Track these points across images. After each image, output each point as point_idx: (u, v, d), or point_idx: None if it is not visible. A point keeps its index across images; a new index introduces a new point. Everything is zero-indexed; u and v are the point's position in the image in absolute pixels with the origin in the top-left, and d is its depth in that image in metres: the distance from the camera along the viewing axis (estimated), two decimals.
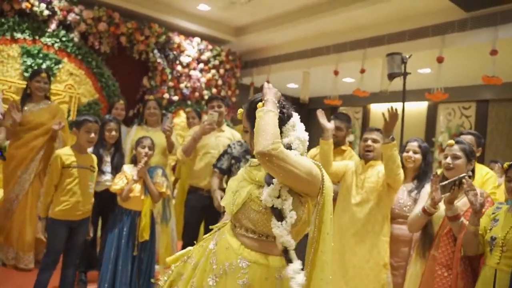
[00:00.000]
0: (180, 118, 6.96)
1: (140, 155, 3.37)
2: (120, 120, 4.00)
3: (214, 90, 7.29)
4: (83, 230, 3.23)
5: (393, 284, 2.97)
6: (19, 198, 3.87)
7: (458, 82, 6.92)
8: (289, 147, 1.60)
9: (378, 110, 8.47)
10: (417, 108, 7.80)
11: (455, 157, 2.61)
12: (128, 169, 3.40)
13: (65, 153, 3.18)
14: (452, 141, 2.66)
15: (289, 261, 1.53)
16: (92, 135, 3.20)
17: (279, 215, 1.54)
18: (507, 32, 4.72)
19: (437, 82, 5.14)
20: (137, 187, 3.30)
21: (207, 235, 1.86)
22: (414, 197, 3.05)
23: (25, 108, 3.90)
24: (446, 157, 2.66)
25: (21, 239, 3.82)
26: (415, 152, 3.17)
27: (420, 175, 3.15)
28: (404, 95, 4.30)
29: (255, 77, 8.06)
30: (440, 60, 5.02)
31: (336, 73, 6.42)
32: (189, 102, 7.04)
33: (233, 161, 3.49)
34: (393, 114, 2.86)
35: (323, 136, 3.06)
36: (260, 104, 1.62)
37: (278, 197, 1.55)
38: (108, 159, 3.66)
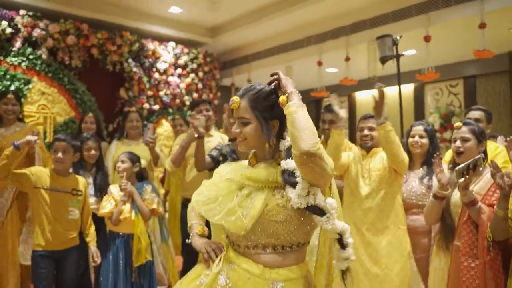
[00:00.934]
0: (163, 128, 6.69)
1: (117, 170, 3.14)
2: (98, 138, 3.72)
3: (195, 95, 7.03)
4: (72, 261, 2.95)
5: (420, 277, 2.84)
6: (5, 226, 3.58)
7: (443, 61, 6.79)
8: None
9: (363, 97, 8.33)
10: (403, 92, 7.66)
11: (464, 140, 2.49)
12: (115, 190, 3.15)
13: (42, 173, 2.91)
14: (459, 123, 2.53)
15: (343, 246, 1.49)
16: (59, 154, 2.92)
17: (320, 210, 1.41)
18: (493, 4, 4.58)
19: (427, 62, 4.98)
20: (126, 207, 3.04)
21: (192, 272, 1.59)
22: (427, 184, 2.92)
23: None
24: (455, 141, 2.53)
25: (4, 279, 3.52)
26: (421, 137, 3.05)
27: (429, 159, 3.00)
28: (399, 78, 4.12)
29: (235, 77, 7.83)
30: (427, 39, 4.87)
31: (319, 64, 6.23)
32: (170, 110, 6.76)
33: (221, 158, 3.23)
34: (381, 94, 2.72)
35: (336, 126, 2.85)
36: (283, 98, 1.43)
37: (307, 194, 1.40)
38: (90, 180, 3.38)
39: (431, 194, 2.54)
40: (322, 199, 1.41)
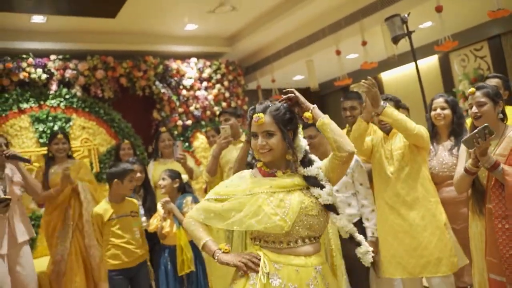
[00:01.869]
0: (199, 141, 6.94)
1: (159, 188, 3.41)
2: (142, 161, 4.01)
3: (223, 104, 7.25)
4: (143, 275, 3.27)
5: (462, 248, 2.84)
6: (64, 257, 3.91)
7: (463, 26, 6.69)
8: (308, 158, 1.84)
9: (389, 77, 8.29)
10: (428, 64, 7.58)
11: (480, 105, 2.51)
12: (160, 207, 3.40)
13: (103, 209, 3.20)
14: (473, 89, 2.55)
15: (357, 244, 1.82)
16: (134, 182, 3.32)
17: (336, 209, 1.77)
18: None
19: (443, 32, 4.96)
20: (167, 222, 3.29)
21: None
22: (456, 154, 2.93)
23: (51, 171, 3.96)
24: (471, 107, 2.56)
25: None
26: (443, 108, 3.07)
27: (455, 130, 3.04)
28: (414, 54, 4.16)
29: (259, 79, 7.99)
30: (439, 9, 4.84)
31: (338, 52, 6.27)
32: (203, 123, 7.02)
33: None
34: (370, 83, 2.72)
35: (364, 117, 2.89)
36: (308, 114, 1.80)
37: (332, 194, 1.77)
38: (140, 202, 3.65)
39: (463, 167, 2.54)
40: (337, 200, 1.79)
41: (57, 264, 3.91)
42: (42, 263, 4.50)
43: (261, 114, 1.74)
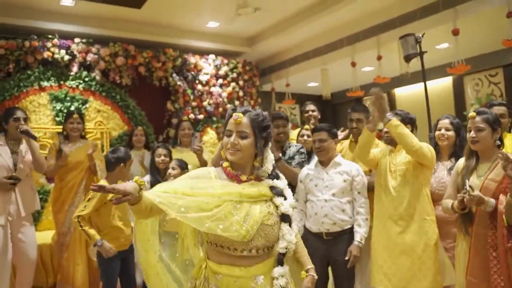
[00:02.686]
0: (209, 135, 7.09)
1: (169, 176, 3.48)
2: (168, 146, 4.14)
3: (237, 103, 7.38)
4: (133, 256, 3.33)
5: (452, 265, 2.90)
6: (71, 230, 4.08)
7: (480, 50, 6.75)
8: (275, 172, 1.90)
9: (403, 93, 8.36)
10: (442, 84, 7.64)
11: (478, 130, 2.58)
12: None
13: None
14: (473, 113, 2.62)
15: (281, 263, 1.80)
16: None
17: (290, 221, 1.84)
18: None
19: (457, 55, 5.05)
20: None
21: None
22: None
23: (64, 149, 4.13)
24: (470, 131, 2.62)
25: (75, 276, 3.99)
26: (447, 130, 3.16)
27: (457, 151, 3.13)
28: (424, 75, 4.26)
29: (274, 82, 8.10)
30: (455, 32, 4.94)
31: (353, 64, 6.39)
32: (214, 119, 7.17)
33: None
34: (378, 96, 2.83)
35: (369, 127, 3.00)
36: None
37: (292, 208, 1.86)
38: None
39: (450, 187, 2.72)
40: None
41: (63, 236, 4.08)
42: (45, 236, 4.68)
43: (240, 114, 1.78)
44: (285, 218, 1.81)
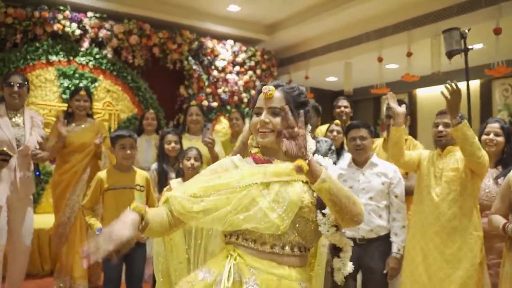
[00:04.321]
0: (222, 125, 6.78)
1: (187, 168, 3.15)
2: (179, 131, 3.81)
3: (252, 92, 7.06)
4: (139, 255, 3.04)
5: (491, 285, 2.65)
6: (71, 220, 3.78)
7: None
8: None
9: (425, 94, 8.02)
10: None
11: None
12: (176, 185, 3.20)
13: (106, 175, 3.01)
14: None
15: (337, 255, 1.55)
16: (128, 151, 3.00)
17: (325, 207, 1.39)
18: None
19: (496, 56, 4.71)
20: None
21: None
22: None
23: (68, 128, 3.79)
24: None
25: (74, 266, 3.71)
26: (496, 135, 2.90)
27: (506, 159, 2.86)
28: (467, 73, 3.93)
29: (292, 74, 7.78)
30: (497, 31, 4.60)
31: (380, 60, 6.05)
32: (228, 107, 6.85)
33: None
34: (453, 90, 2.48)
35: (395, 123, 2.76)
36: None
37: None
38: (173, 175, 3.45)
39: (498, 201, 2.48)
40: None
41: (62, 226, 3.78)
42: (45, 220, 4.41)
43: (272, 87, 1.48)
44: (321, 203, 1.39)
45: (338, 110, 4.44)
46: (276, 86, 1.50)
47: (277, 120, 1.44)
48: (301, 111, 1.42)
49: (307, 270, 1.49)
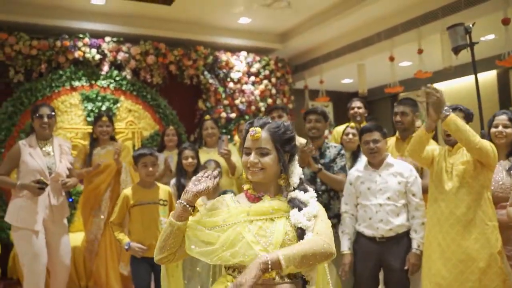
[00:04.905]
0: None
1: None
2: (196, 146, 3.97)
3: (269, 101, 7.19)
4: None
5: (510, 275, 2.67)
6: (97, 237, 3.98)
7: None
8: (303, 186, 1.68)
9: (443, 89, 7.97)
10: (485, 79, 7.23)
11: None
12: (200, 199, 3.35)
13: (131, 192, 3.19)
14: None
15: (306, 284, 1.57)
16: (150, 168, 3.18)
17: (302, 236, 1.54)
18: None
19: (506, 46, 4.70)
20: None
21: None
22: None
23: (94, 152, 4.03)
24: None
25: (108, 283, 3.89)
26: (505, 126, 2.94)
27: None
28: (474, 67, 3.95)
29: (307, 79, 7.87)
30: (506, 22, 4.60)
31: (391, 59, 6.09)
32: (247, 117, 6.97)
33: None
34: (430, 90, 2.60)
35: (425, 125, 2.76)
36: None
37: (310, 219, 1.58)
38: None
39: None
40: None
41: (91, 243, 3.99)
42: (77, 238, 4.61)
43: (258, 129, 1.61)
44: (300, 234, 1.53)
45: (352, 111, 4.53)
46: (262, 126, 1.63)
47: (265, 159, 1.60)
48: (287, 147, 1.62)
49: None
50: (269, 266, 1.37)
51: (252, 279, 1.34)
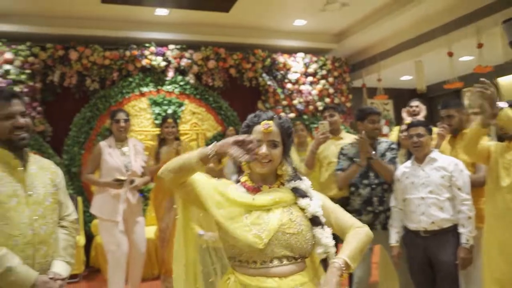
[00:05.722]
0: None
1: None
2: None
3: (327, 100, 7.30)
4: None
5: None
6: (169, 226, 4.33)
7: None
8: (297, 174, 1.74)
9: (509, 82, 7.68)
10: None
11: None
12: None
13: None
14: None
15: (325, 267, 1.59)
16: (210, 164, 3.48)
17: (321, 223, 1.63)
18: None
19: None
20: None
21: None
22: None
23: (162, 150, 4.41)
24: None
25: None
26: None
27: None
28: None
29: (365, 78, 7.88)
30: None
31: (450, 54, 6.01)
32: (305, 117, 7.14)
33: (349, 162, 3.49)
34: (482, 85, 2.59)
35: (480, 121, 2.76)
36: None
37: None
38: None
39: None
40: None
41: (163, 231, 4.36)
42: (148, 230, 5.00)
43: (271, 122, 1.65)
44: (315, 221, 1.62)
45: (410, 110, 4.63)
46: (272, 119, 1.67)
47: (275, 151, 1.64)
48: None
49: (310, 273, 1.64)
50: (343, 270, 1.49)
51: (335, 286, 1.45)
